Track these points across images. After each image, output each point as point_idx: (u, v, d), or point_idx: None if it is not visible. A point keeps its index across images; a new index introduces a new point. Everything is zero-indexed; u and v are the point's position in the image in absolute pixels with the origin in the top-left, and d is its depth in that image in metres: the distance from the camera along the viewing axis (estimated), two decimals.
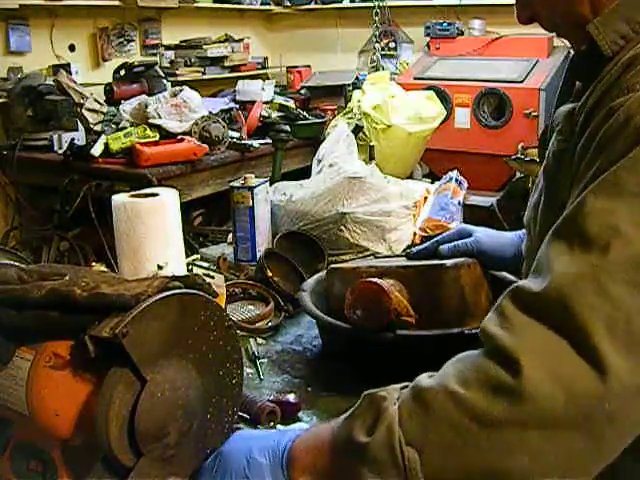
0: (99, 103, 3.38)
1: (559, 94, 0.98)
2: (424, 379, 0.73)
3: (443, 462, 0.68)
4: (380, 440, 0.70)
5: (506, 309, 0.71)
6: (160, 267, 1.33)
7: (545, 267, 0.71)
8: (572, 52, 0.99)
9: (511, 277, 1.38)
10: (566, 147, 0.86)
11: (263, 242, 1.79)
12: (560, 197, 0.82)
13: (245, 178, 1.79)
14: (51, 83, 3.35)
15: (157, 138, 3.06)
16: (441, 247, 1.32)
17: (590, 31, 0.81)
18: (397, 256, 1.70)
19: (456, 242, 1.31)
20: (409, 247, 1.77)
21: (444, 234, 1.37)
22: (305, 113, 3.85)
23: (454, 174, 2.16)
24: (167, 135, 3.09)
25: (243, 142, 3.34)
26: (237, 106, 3.78)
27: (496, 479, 0.67)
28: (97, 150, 2.94)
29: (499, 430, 0.66)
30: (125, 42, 4.31)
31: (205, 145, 3.08)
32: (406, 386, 0.76)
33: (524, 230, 1.29)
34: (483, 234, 1.31)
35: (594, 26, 0.81)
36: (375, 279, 1.22)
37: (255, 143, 3.35)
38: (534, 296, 0.69)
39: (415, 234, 1.88)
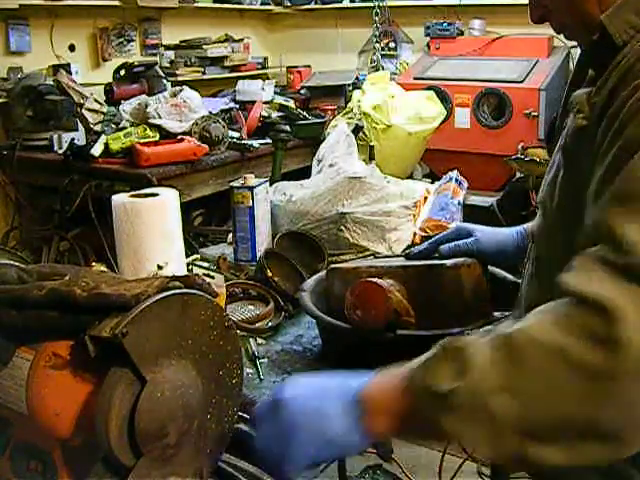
0: (99, 103, 3.38)
1: (571, 81, 1.04)
2: (506, 328, 0.73)
3: (532, 410, 0.68)
4: (466, 388, 0.69)
5: (586, 266, 0.73)
6: (160, 267, 1.33)
7: (609, 232, 0.73)
8: (570, 50, 1.03)
9: (511, 277, 1.39)
10: (586, 125, 0.91)
11: (263, 242, 1.79)
12: (581, 171, 0.87)
13: (245, 178, 1.79)
14: (51, 83, 3.35)
15: (157, 138, 3.06)
16: (441, 247, 1.32)
17: (603, 22, 0.88)
18: (397, 256, 1.70)
19: (456, 242, 1.31)
20: (409, 247, 1.77)
21: (442, 234, 1.37)
22: (305, 113, 3.85)
23: (454, 174, 2.16)
24: (167, 135, 3.09)
25: (243, 142, 3.34)
26: (237, 106, 3.78)
27: (585, 426, 0.67)
28: (97, 150, 2.94)
29: (593, 380, 0.66)
30: (125, 42, 4.31)
31: (205, 145, 3.08)
32: (482, 336, 0.75)
33: (522, 226, 1.29)
34: (482, 233, 1.31)
35: (607, 17, 0.88)
36: (375, 279, 1.22)
37: (255, 143, 3.35)
38: (617, 258, 0.71)
39: (415, 234, 1.88)
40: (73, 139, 3.17)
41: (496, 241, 1.31)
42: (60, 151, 3.15)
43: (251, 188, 1.75)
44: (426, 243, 1.38)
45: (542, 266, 1.03)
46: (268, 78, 4.91)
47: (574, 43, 1.01)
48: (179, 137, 3.07)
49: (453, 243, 1.31)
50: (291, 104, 3.96)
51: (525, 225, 1.34)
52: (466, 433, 0.70)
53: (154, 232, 1.37)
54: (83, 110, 3.30)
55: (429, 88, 3.59)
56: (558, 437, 0.68)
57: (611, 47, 0.88)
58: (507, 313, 1.31)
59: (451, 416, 0.70)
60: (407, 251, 1.42)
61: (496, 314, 1.30)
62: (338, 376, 0.81)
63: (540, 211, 1.06)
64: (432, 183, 2.26)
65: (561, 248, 0.91)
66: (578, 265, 0.74)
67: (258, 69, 5.07)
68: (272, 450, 0.79)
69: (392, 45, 4.96)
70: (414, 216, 1.89)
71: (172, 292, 0.84)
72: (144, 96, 3.33)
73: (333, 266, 1.42)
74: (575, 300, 0.71)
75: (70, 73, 3.69)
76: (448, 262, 1.27)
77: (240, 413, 1.04)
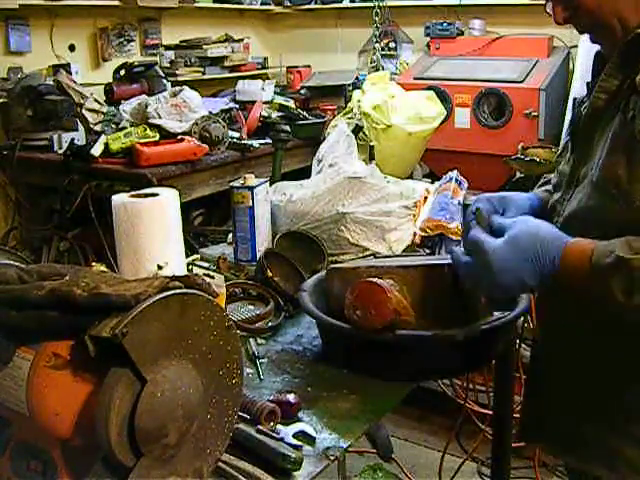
0: (99, 103, 3.38)
1: (607, 72, 1.08)
2: None
3: None
4: (637, 306, 0.92)
5: None
6: (160, 267, 1.33)
7: None
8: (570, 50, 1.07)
9: None
10: None
11: (263, 242, 1.79)
12: None
13: (245, 178, 1.79)
14: (51, 83, 3.35)
15: (157, 138, 3.05)
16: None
17: None
18: (397, 256, 1.70)
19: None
20: (409, 247, 1.74)
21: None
22: (305, 113, 3.84)
23: (454, 174, 2.16)
24: (167, 135, 3.09)
25: (243, 142, 3.34)
26: (237, 106, 3.77)
27: None
28: (97, 150, 2.94)
29: None
30: (125, 42, 4.31)
31: (205, 145, 3.07)
32: None
33: (535, 194, 1.31)
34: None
35: None
36: (375, 279, 1.22)
37: (255, 143, 3.34)
38: None
39: (415, 234, 1.88)
40: (73, 139, 3.17)
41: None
42: (60, 151, 3.14)
43: (251, 188, 1.75)
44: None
45: None
46: (268, 78, 4.91)
47: (574, 43, 1.03)
48: (179, 137, 3.07)
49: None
50: (291, 104, 3.95)
51: (537, 193, 1.33)
52: None
53: (154, 232, 1.37)
54: (83, 110, 3.30)
55: (429, 88, 3.58)
56: None
57: None
58: (507, 313, 1.31)
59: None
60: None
61: (496, 314, 1.30)
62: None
63: (598, 193, 1.06)
64: (432, 183, 2.26)
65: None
66: None
67: (258, 69, 5.06)
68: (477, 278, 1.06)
69: (392, 45, 4.95)
70: (414, 216, 1.89)
71: (172, 292, 0.84)
72: (144, 96, 3.33)
73: (333, 266, 1.42)
74: None
75: (70, 73, 3.68)
76: (448, 262, 1.27)
77: (240, 413, 1.04)
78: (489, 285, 1.04)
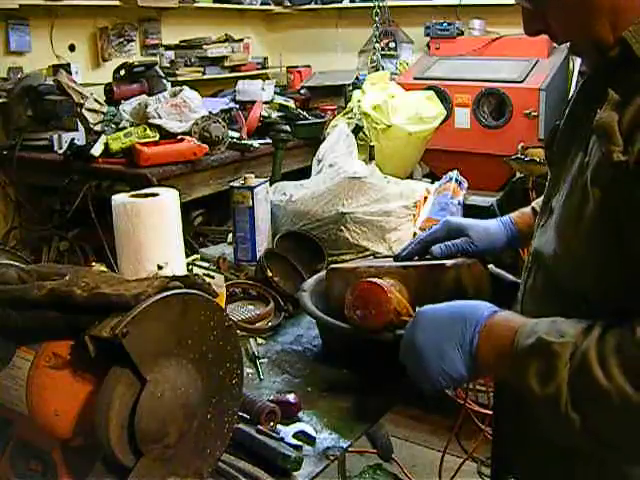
0: (99, 103, 3.38)
1: (576, 99, 1.01)
2: (593, 347, 0.80)
3: (604, 431, 0.81)
4: (549, 396, 0.82)
5: None
6: (160, 267, 1.33)
7: None
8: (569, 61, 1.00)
9: (511, 277, 1.39)
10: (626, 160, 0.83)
11: (263, 242, 1.79)
12: (618, 212, 0.83)
13: (245, 178, 1.79)
14: (51, 83, 3.35)
15: (157, 138, 3.05)
16: (433, 248, 1.30)
17: (627, 39, 0.85)
18: None
19: (448, 243, 1.29)
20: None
21: (430, 231, 1.34)
22: (305, 113, 3.85)
23: (454, 174, 2.16)
24: (167, 135, 3.09)
25: (243, 142, 3.34)
26: (237, 106, 3.78)
27: None
28: (97, 150, 2.94)
29: None
30: (125, 42, 4.31)
31: (205, 145, 3.08)
32: (586, 329, 0.83)
33: (509, 216, 1.31)
34: (474, 232, 1.29)
35: (630, 35, 0.85)
36: (375, 279, 1.22)
37: (255, 143, 3.35)
38: None
39: (415, 234, 1.87)
40: (73, 139, 3.17)
41: (488, 239, 1.29)
42: (60, 151, 3.15)
43: (251, 188, 1.75)
44: (414, 243, 1.35)
45: (545, 282, 1.00)
46: (268, 78, 4.91)
47: None
48: (179, 137, 3.07)
49: (444, 244, 1.29)
50: (291, 104, 3.95)
51: (512, 216, 1.32)
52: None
53: (154, 232, 1.37)
54: (83, 110, 3.30)
55: (429, 88, 3.59)
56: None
57: (633, 66, 0.84)
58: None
59: (536, 409, 0.87)
60: (396, 254, 1.38)
61: None
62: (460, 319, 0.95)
63: (555, 234, 0.96)
64: (432, 183, 2.26)
65: (579, 275, 0.90)
66: None
67: (258, 69, 5.07)
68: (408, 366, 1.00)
69: (392, 45, 4.95)
70: (414, 216, 1.89)
71: (172, 292, 0.84)
72: (144, 96, 3.33)
73: (333, 266, 1.42)
74: None
75: (70, 73, 3.68)
76: (448, 262, 1.27)
77: (240, 413, 1.04)
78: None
